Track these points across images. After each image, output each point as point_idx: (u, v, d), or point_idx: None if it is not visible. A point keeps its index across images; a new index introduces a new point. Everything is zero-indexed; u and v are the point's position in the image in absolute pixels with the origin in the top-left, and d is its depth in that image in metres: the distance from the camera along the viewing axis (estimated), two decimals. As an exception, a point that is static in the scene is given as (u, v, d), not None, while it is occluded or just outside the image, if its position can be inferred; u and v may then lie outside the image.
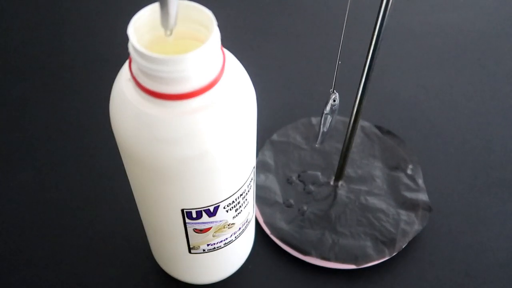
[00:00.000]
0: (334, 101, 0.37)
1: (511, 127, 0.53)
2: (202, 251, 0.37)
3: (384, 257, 0.43)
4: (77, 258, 0.44)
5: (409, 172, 0.48)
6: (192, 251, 0.37)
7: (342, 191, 0.47)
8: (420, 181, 0.48)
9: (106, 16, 0.63)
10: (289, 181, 0.48)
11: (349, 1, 0.32)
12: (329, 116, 0.38)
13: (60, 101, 0.55)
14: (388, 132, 0.51)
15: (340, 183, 0.47)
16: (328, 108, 0.38)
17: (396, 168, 0.48)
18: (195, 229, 0.34)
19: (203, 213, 0.33)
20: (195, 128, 0.28)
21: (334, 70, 0.36)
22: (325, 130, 0.39)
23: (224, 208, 0.34)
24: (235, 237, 0.38)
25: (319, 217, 0.45)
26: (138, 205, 0.37)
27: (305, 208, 0.46)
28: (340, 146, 0.50)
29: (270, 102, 0.55)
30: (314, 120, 0.52)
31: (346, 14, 0.33)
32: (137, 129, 0.29)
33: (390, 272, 0.43)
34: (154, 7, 0.28)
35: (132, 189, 0.36)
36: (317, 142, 0.40)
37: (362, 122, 0.52)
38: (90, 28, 0.62)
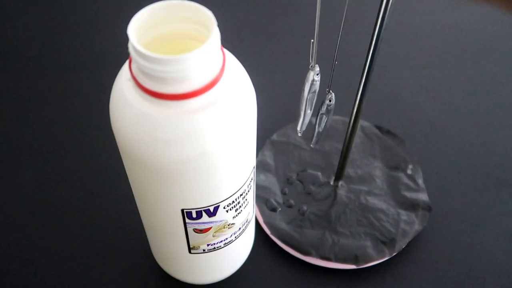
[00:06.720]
0: (330, 101, 0.38)
1: (511, 127, 0.53)
2: (202, 251, 0.37)
3: (384, 257, 0.43)
4: (77, 258, 0.44)
5: (409, 172, 0.48)
6: (192, 251, 0.37)
7: (342, 191, 0.47)
8: (420, 181, 0.48)
9: (106, 16, 0.63)
10: (289, 181, 0.48)
11: (347, 2, 0.32)
12: (324, 116, 0.38)
13: (60, 101, 0.55)
14: (388, 132, 0.51)
15: (340, 183, 0.47)
16: (324, 108, 0.38)
17: (396, 168, 0.48)
18: (195, 229, 0.34)
19: (203, 213, 0.33)
20: (195, 128, 0.28)
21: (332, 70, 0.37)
22: (320, 130, 0.39)
23: (224, 208, 0.34)
24: (235, 237, 0.38)
25: (319, 217, 0.45)
26: (138, 205, 0.37)
27: (305, 208, 0.46)
28: (340, 146, 0.50)
29: (270, 102, 0.54)
30: (314, 120, 0.52)
31: (344, 14, 0.33)
32: (137, 129, 0.29)
33: (390, 272, 0.43)
34: (154, 7, 0.28)
35: (132, 189, 0.36)
36: (312, 142, 0.40)
37: (362, 122, 0.52)
38: (90, 28, 0.62)
